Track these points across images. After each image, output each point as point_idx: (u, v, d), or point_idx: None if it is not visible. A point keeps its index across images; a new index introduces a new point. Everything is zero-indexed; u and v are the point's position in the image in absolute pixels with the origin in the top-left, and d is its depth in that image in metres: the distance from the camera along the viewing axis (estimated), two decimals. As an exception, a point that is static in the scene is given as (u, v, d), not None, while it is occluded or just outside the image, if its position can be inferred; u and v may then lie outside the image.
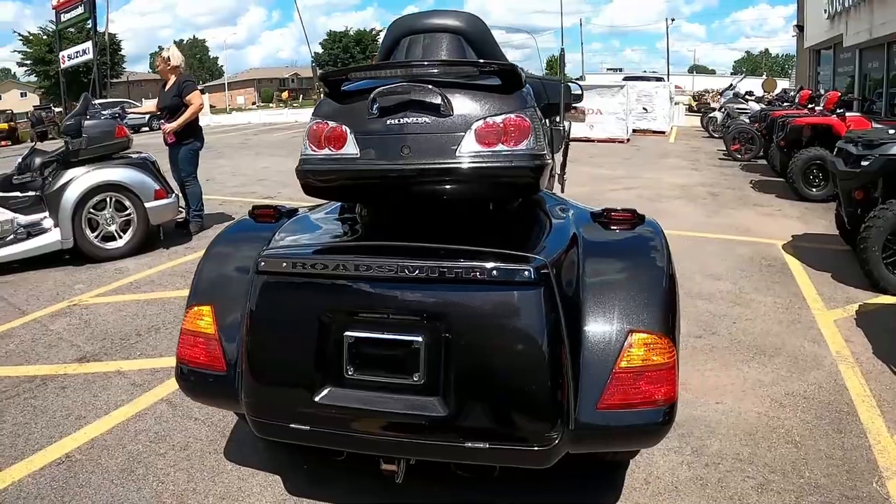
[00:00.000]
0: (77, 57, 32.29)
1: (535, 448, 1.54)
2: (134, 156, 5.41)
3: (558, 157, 3.63)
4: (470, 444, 1.55)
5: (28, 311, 4.08)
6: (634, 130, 14.77)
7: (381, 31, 59.05)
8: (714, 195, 7.65)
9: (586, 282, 1.72)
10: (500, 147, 1.65)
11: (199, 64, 68.58)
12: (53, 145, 6.12)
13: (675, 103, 19.31)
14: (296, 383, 1.70)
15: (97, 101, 5.99)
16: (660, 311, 1.67)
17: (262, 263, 1.71)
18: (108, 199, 5.06)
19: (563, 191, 4.64)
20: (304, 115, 23.70)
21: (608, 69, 37.08)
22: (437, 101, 1.65)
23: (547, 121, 2.02)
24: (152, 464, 2.33)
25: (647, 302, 1.67)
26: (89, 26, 30.41)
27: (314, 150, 1.82)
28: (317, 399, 1.65)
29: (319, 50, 59.38)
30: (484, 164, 1.65)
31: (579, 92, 3.91)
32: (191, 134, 5.69)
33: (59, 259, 4.99)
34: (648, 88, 15.80)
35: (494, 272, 1.53)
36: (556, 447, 1.56)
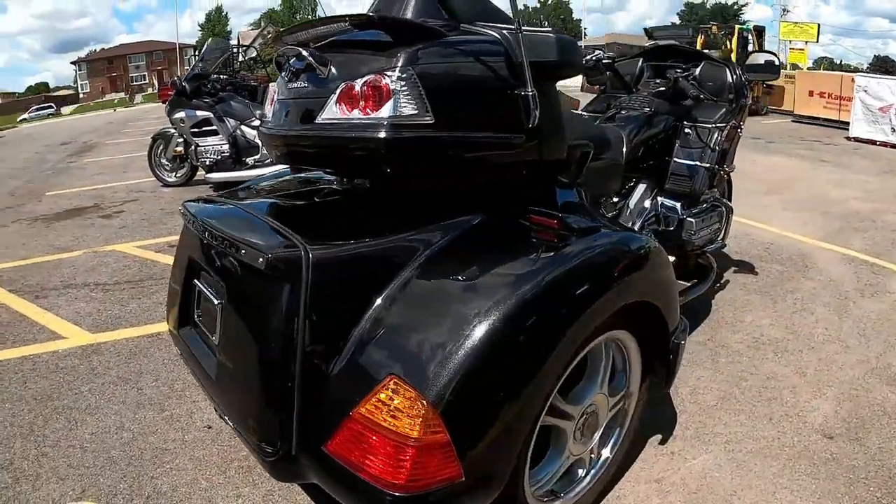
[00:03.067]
0: None
1: (258, 453, 1.36)
2: None
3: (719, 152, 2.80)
4: (227, 418, 1.51)
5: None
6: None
7: (745, 4, 53.28)
8: None
9: (391, 295, 1.34)
10: (355, 114, 1.40)
11: (562, 25, 70.35)
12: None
13: None
14: (175, 315, 1.87)
15: None
16: (447, 371, 1.17)
17: (181, 207, 1.84)
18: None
19: (726, 195, 3.66)
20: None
21: None
22: (313, 64, 1.49)
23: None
24: (197, 359, 2.75)
25: (440, 350, 1.20)
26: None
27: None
28: (180, 332, 1.82)
29: (677, 20, 56.34)
30: (331, 135, 1.44)
31: (773, 61, 2.96)
32: None
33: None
34: None
35: (243, 252, 1.34)
36: (277, 464, 1.33)
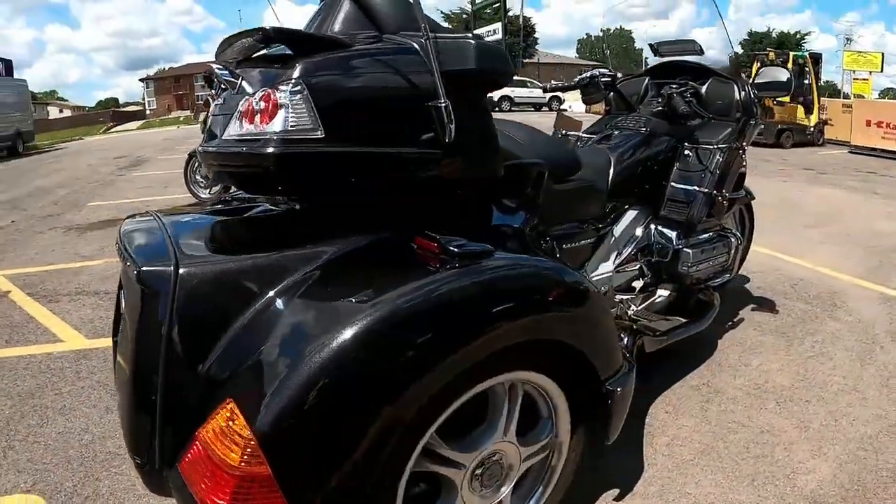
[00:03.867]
0: (487, 36, 37.49)
1: (133, 463, 1.33)
2: None
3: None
4: None
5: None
6: None
7: (807, 33, 51.95)
8: None
9: (253, 315, 1.28)
10: (248, 129, 1.36)
11: (624, 54, 71.24)
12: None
13: None
14: (113, 325, 1.86)
15: None
16: (280, 399, 1.09)
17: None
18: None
19: (746, 225, 3.41)
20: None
21: None
22: (228, 79, 1.48)
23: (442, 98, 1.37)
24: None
25: (279, 377, 1.12)
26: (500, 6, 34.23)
27: None
28: (114, 340, 1.80)
29: (739, 51, 55.44)
30: (230, 151, 1.40)
31: (786, 75, 2.74)
32: None
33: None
34: None
35: (128, 264, 1.34)
36: (145, 476, 1.30)
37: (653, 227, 2.63)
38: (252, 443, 1.07)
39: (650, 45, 2.98)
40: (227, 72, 1.50)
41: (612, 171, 2.43)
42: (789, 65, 13.69)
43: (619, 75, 3.03)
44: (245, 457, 1.07)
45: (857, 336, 3.09)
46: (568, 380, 1.50)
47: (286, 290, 1.30)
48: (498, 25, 35.94)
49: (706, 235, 2.75)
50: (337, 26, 1.60)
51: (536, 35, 48.37)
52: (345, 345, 1.11)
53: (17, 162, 15.42)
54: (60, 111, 58.42)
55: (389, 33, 1.53)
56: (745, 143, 2.67)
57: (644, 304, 2.58)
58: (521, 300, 1.35)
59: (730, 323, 3.20)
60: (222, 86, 1.58)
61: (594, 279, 2.37)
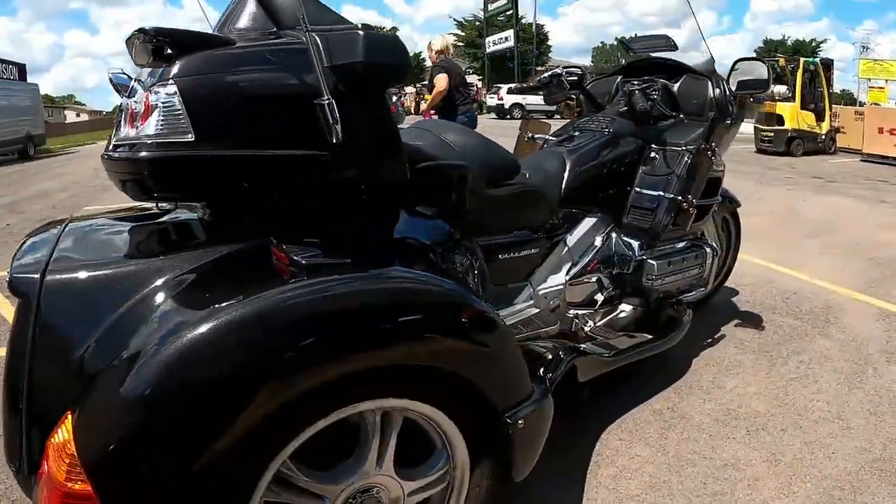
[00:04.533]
0: (500, 43, 37.62)
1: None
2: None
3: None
4: None
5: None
6: None
7: (822, 41, 51.61)
8: None
9: (110, 325, 1.21)
10: (129, 133, 1.32)
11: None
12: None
13: None
14: None
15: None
16: (106, 416, 1.04)
17: None
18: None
19: (732, 234, 3.21)
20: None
21: None
22: (123, 83, 1.50)
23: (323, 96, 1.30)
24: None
25: (110, 392, 1.07)
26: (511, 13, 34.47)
27: None
28: None
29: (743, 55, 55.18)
30: (113, 156, 1.35)
31: (763, 77, 2.52)
32: (446, 111, 5.95)
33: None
34: None
35: (8, 271, 1.36)
36: (21, 483, 1.25)
37: (614, 235, 2.41)
38: (73, 459, 1.02)
39: (620, 41, 2.81)
40: (124, 76, 1.54)
41: (566, 175, 2.22)
42: (799, 71, 13.36)
43: (588, 74, 2.84)
44: (70, 474, 1.03)
45: (848, 356, 2.84)
46: (457, 409, 1.32)
47: (141, 300, 1.24)
48: (510, 32, 36.06)
49: (679, 245, 2.53)
50: (240, 23, 1.53)
51: (550, 43, 48.30)
52: (177, 359, 1.03)
53: (27, 165, 15.54)
54: (77, 115, 58.99)
55: (287, 28, 1.45)
56: (716, 145, 2.45)
57: (604, 320, 2.36)
58: (374, 320, 1.19)
59: (709, 340, 2.96)
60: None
61: (541, 292, 2.16)
